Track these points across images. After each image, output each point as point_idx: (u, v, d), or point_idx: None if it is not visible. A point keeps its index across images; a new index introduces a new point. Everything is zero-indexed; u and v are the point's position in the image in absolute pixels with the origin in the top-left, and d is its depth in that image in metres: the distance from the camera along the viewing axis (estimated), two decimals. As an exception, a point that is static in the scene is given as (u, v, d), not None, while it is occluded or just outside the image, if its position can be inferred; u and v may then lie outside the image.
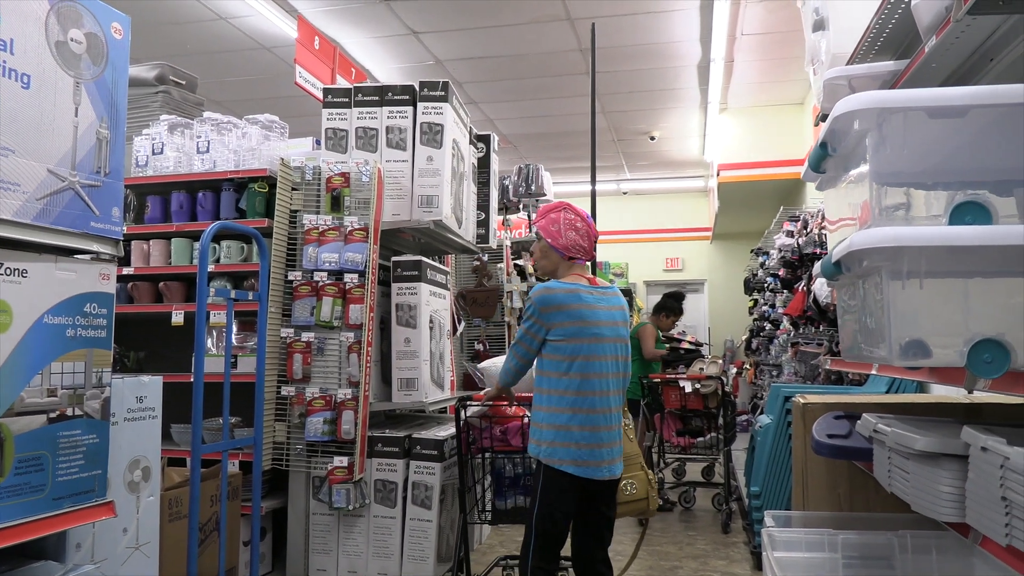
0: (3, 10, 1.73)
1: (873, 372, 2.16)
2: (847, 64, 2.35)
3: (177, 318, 3.96)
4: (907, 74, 1.94)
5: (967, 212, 1.39)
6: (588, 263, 3.18)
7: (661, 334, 6.80)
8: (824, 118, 2.10)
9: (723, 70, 8.16)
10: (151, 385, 2.43)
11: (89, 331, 1.95)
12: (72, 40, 1.89)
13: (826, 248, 4.24)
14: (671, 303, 6.93)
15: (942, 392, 3.54)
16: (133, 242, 4.14)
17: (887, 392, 3.99)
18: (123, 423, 2.31)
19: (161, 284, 4.13)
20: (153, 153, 4.19)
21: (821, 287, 4.74)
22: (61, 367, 1.88)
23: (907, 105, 1.45)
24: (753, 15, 6.94)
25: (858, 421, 2.04)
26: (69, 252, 1.96)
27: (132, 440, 2.35)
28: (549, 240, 3.04)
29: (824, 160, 1.80)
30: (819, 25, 2.62)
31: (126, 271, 4.07)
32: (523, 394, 3.40)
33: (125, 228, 4.08)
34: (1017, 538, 1.23)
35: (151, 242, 4.13)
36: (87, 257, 2.00)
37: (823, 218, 5.28)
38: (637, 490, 3.23)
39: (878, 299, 1.47)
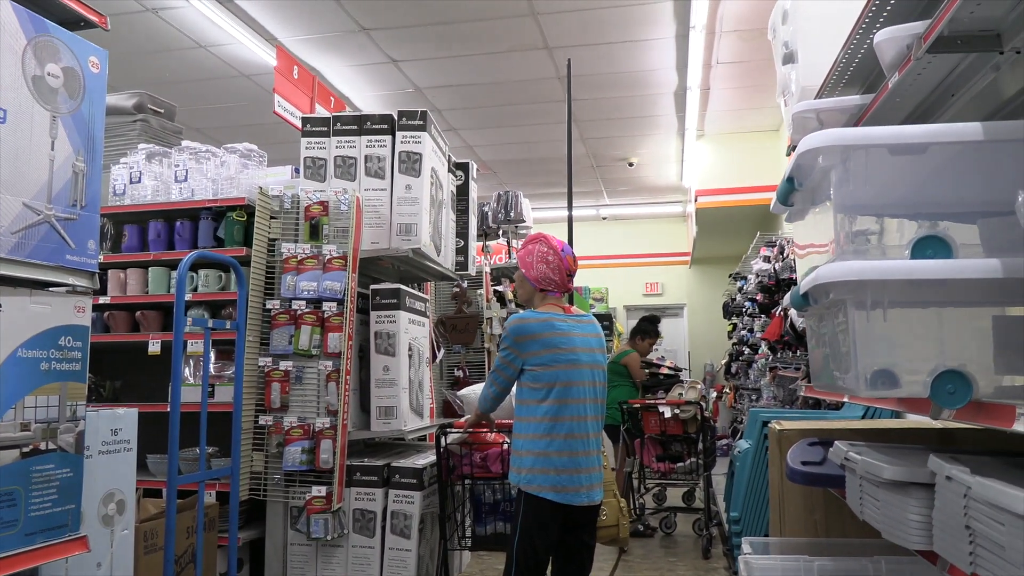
0: (-20, 45, 1.74)
1: (846, 400, 2.19)
2: (816, 97, 2.40)
3: (154, 347, 3.93)
4: (872, 108, 1.99)
5: (928, 246, 1.43)
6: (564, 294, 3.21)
7: (641, 360, 6.86)
8: (795, 149, 2.16)
9: (699, 98, 8.28)
10: (126, 417, 2.42)
11: (64, 364, 1.94)
12: (49, 74, 1.90)
13: (798, 274, 4.29)
14: (646, 325, 7.02)
15: (917, 417, 3.58)
16: (110, 271, 4.12)
17: (863, 417, 4.02)
18: (97, 456, 2.29)
19: (138, 313, 4.10)
20: (131, 182, 4.19)
21: (797, 312, 4.80)
22: (35, 401, 1.86)
23: (869, 142, 1.50)
24: (728, 44, 7.07)
25: (831, 449, 2.07)
26: (44, 285, 1.95)
27: (106, 473, 2.33)
28: (524, 270, 3.12)
29: (791, 194, 1.84)
30: (789, 58, 2.69)
31: (103, 300, 4.05)
32: (503, 421, 3.42)
33: (102, 257, 4.07)
34: (981, 567, 1.25)
35: (128, 271, 4.11)
36: (62, 290, 1.99)
37: (798, 244, 5.34)
38: (607, 517, 3.25)
39: (844, 330, 1.51)
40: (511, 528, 2.97)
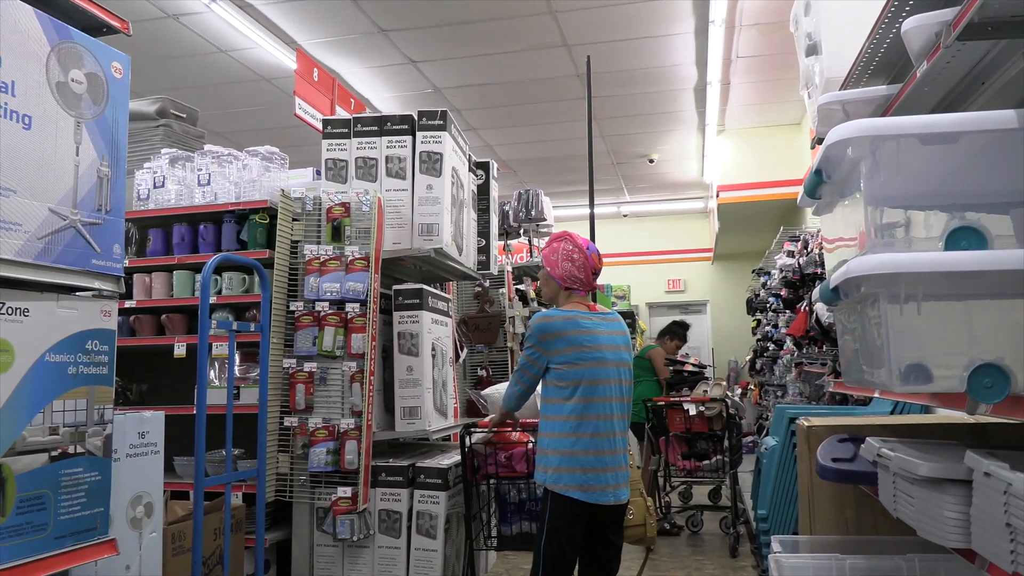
0: (5, 52, 1.75)
1: (876, 395, 2.15)
2: (841, 88, 2.36)
3: (179, 350, 3.96)
4: (900, 98, 1.96)
5: (962, 237, 1.40)
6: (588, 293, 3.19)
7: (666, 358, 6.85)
8: (820, 141, 2.12)
9: (720, 92, 8.22)
10: (153, 420, 2.43)
11: (91, 368, 1.96)
12: (73, 80, 1.92)
13: (826, 268, 4.23)
14: (676, 328, 7.02)
15: (947, 412, 3.52)
16: (135, 275, 4.15)
17: (892, 413, 3.97)
18: (125, 459, 2.30)
19: (163, 316, 4.13)
20: (155, 186, 4.22)
21: (823, 307, 4.74)
22: (63, 405, 1.88)
23: (899, 132, 1.47)
24: (748, 38, 7.01)
25: (862, 445, 2.03)
26: (70, 290, 1.97)
27: (134, 476, 2.35)
28: (548, 269, 3.10)
29: (819, 186, 1.81)
30: (812, 50, 2.65)
31: (128, 304, 4.08)
32: (528, 420, 3.40)
33: (127, 261, 4.11)
34: (1023, 565, 1.22)
35: (153, 275, 4.15)
36: (88, 294, 2.01)
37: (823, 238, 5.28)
38: (634, 516, 3.22)
39: (877, 324, 1.48)
40: (537, 528, 2.96)
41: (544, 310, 3.12)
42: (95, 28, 2.11)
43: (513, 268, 6.62)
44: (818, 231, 5.64)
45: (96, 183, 1.98)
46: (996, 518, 1.28)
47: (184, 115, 4.78)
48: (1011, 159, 1.44)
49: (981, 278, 1.36)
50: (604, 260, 3.27)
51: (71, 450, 1.89)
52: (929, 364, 1.43)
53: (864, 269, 1.41)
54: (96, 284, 1.99)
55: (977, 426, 2.47)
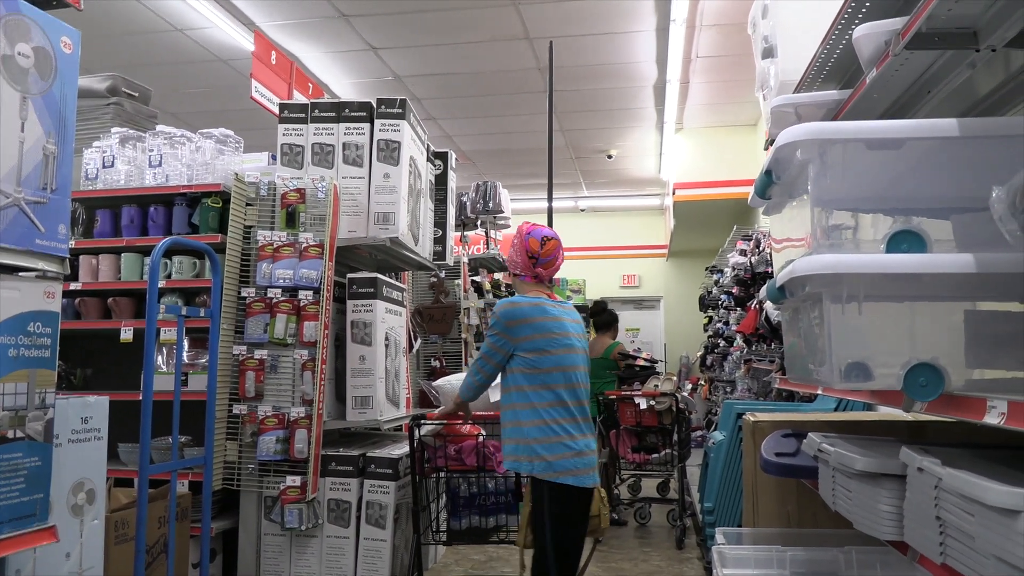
0: (-53, 24, 1.69)
1: (819, 392, 2.21)
2: (795, 91, 2.41)
3: (126, 335, 3.88)
4: (850, 103, 2.00)
5: (903, 240, 1.44)
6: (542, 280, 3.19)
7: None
8: (772, 143, 2.17)
9: (679, 91, 8.30)
10: (96, 406, 2.38)
11: (32, 351, 1.91)
12: (19, 54, 1.86)
13: (774, 267, 4.31)
14: (608, 317, 7.07)
15: (889, 410, 3.62)
16: (81, 257, 4.06)
17: (836, 410, 4.06)
18: (67, 445, 2.25)
19: (110, 300, 4.04)
20: (104, 166, 4.12)
21: (772, 306, 4.83)
22: (2, 388, 1.83)
23: (846, 136, 1.51)
24: (708, 38, 7.09)
25: (804, 440, 2.09)
26: (12, 270, 1.91)
27: (76, 462, 2.30)
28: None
29: (769, 187, 1.85)
30: (768, 52, 2.69)
31: (74, 286, 3.99)
32: (479, 413, 3.40)
33: (73, 243, 4.01)
34: (951, 556, 1.27)
35: (100, 257, 4.06)
36: (31, 275, 1.96)
37: (774, 238, 5.37)
38: (591, 507, 3.25)
39: (820, 323, 1.52)
40: (530, 522, 2.88)
41: (508, 297, 3.12)
42: (44, 1, 2.05)
43: (469, 259, 6.62)
44: (770, 231, 5.74)
45: (42, 161, 1.93)
46: (927, 511, 1.33)
47: (136, 94, 4.67)
48: (951, 166, 1.49)
49: (919, 280, 1.41)
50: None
51: (10, 435, 1.84)
52: (869, 363, 1.47)
53: (808, 269, 1.45)
54: (40, 265, 1.94)
55: (916, 423, 2.55)
